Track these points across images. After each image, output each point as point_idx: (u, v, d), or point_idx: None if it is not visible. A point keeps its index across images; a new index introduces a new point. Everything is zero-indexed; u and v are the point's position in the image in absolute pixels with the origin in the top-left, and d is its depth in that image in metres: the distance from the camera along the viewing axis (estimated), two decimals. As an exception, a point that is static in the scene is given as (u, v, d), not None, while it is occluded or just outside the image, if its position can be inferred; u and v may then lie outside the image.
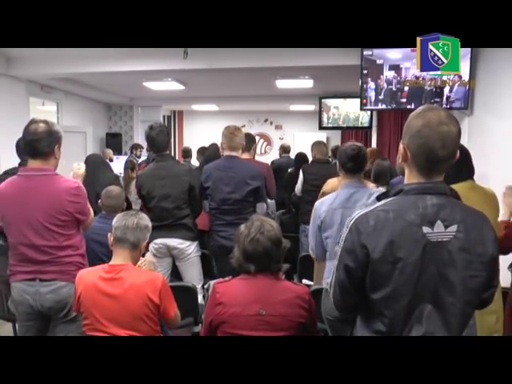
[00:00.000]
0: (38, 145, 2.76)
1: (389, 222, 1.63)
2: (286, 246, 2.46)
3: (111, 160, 8.91)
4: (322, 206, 3.07)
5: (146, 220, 2.71)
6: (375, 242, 1.62)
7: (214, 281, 2.72)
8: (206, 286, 3.54)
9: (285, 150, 8.21)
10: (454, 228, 1.61)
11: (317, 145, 5.66)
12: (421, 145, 1.64)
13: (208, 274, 4.39)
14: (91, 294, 2.52)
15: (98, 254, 3.47)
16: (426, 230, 1.60)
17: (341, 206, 2.98)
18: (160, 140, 4.11)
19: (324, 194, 3.91)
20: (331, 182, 3.99)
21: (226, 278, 2.47)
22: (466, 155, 2.72)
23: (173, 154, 11.02)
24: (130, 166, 6.51)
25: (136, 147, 9.31)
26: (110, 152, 9.45)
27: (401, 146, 1.72)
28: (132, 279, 2.50)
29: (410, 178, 1.73)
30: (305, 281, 3.95)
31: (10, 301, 2.98)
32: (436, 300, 1.63)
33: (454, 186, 2.23)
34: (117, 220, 2.65)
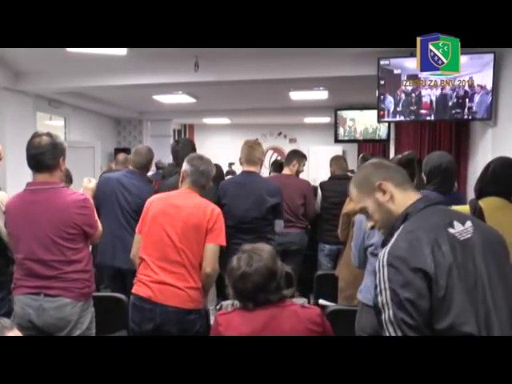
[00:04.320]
0: (42, 158, 2.78)
1: (420, 236, 1.54)
2: (283, 271, 2.28)
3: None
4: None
5: (211, 164, 3.21)
6: (424, 259, 1.49)
7: (224, 302, 2.84)
8: (218, 307, 3.42)
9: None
10: (469, 223, 1.61)
11: (336, 159, 5.49)
12: None
13: (220, 294, 4.24)
14: (160, 203, 3.06)
15: (120, 202, 4.09)
16: (451, 231, 1.57)
17: None
18: (184, 154, 3.97)
19: (347, 216, 3.81)
20: None
21: (229, 309, 2.40)
22: (495, 171, 2.74)
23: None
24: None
25: None
26: None
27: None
28: (196, 200, 3.05)
29: (405, 201, 1.70)
30: (321, 301, 3.83)
31: (12, 316, 2.89)
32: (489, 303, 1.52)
33: (481, 202, 2.34)
34: (191, 165, 3.11)
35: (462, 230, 1.57)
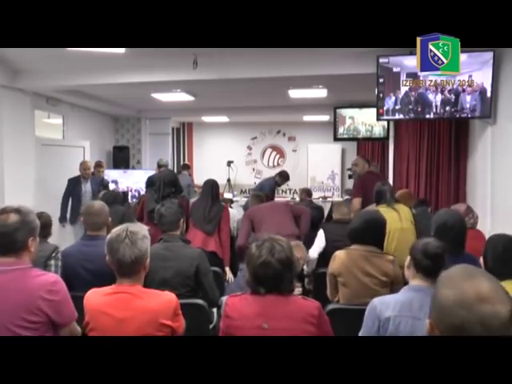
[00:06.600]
0: (7, 240, 2.36)
1: None
2: (298, 268, 2.44)
3: (93, 174, 7.90)
4: (384, 307, 2.44)
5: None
6: None
7: (223, 298, 2.82)
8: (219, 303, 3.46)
9: (308, 193, 7.93)
10: None
11: (337, 205, 5.15)
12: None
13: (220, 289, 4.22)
14: (97, 316, 2.40)
15: (85, 281, 3.20)
16: None
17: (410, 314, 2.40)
18: (169, 219, 3.71)
19: (334, 276, 3.51)
20: (338, 258, 3.51)
21: (239, 293, 2.51)
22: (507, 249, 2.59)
23: (182, 167, 10.78)
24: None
25: (97, 166, 8.37)
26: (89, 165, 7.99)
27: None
28: (143, 302, 2.38)
29: None
30: None
31: None
32: None
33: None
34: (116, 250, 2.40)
35: None
